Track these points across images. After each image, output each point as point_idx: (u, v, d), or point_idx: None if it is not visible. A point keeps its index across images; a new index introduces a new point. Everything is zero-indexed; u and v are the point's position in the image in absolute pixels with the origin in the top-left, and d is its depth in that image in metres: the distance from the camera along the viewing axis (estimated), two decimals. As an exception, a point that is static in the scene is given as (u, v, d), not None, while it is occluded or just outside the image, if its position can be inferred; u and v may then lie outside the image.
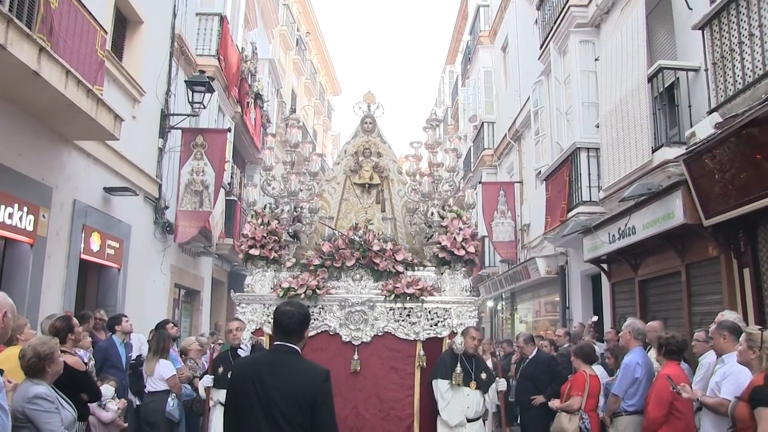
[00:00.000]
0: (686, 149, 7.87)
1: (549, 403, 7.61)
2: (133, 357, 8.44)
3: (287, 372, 3.47)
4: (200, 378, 7.77)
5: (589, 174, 11.16)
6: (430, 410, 6.30)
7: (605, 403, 6.72)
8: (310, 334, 6.25)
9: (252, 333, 6.42)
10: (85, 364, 6.51)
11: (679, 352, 5.88)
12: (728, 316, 5.60)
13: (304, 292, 6.46)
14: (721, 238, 7.77)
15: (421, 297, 6.55)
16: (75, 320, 6.06)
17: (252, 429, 3.37)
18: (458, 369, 6.15)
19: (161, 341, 7.35)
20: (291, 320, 3.62)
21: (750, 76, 6.79)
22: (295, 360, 3.56)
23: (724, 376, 4.99)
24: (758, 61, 6.66)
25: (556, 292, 15.70)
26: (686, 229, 8.21)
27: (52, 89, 6.79)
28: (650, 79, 8.89)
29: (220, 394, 6.08)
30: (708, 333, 5.80)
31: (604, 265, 11.71)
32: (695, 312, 8.72)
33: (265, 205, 7.21)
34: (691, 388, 5.64)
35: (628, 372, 6.24)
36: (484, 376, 6.33)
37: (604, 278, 12.03)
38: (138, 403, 7.91)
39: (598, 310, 12.43)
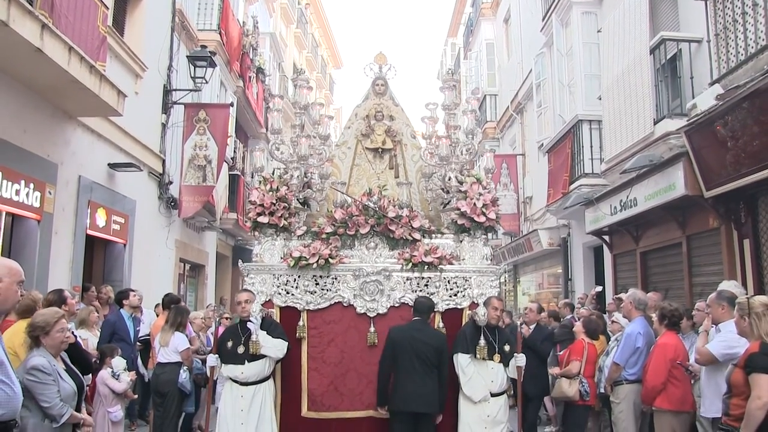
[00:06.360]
0: (687, 121, 7.87)
1: (549, 370, 7.71)
2: (144, 333, 8.56)
3: (426, 334, 5.73)
4: (202, 353, 7.87)
5: (591, 146, 11.20)
6: (450, 384, 5.93)
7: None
8: (323, 305, 6.18)
9: (261, 305, 6.03)
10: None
11: (678, 323, 6.00)
12: (726, 285, 5.66)
13: (317, 262, 6.13)
14: (722, 209, 7.81)
15: (440, 266, 6.22)
16: (67, 293, 6.20)
17: (408, 366, 5.59)
18: (482, 342, 5.78)
19: (179, 315, 7.40)
20: (423, 305, 5.89)
21: (752, 47, 6.78)
22: (428, 327, 5.87)
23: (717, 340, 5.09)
24: (761, 32, 6.64)
25: (558, 264, 15.78)
26: (687, 200, 8.25)
27: (56, 66, 6.82)
28: (652, 51, 8.86)
29: (229, 370, 5.80)
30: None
31: (606, 237, 11.76)
32: (696, 283, 8.79)
33: (274, 170, 6.84)
34: (689, 356, 5.76)
35: (629, 341, 6.32)
36: (507, 348, 5.97)
37: (606, 250, 12.10)
38: (149, 376, 8.04)
39: (600, 281, 12.52)
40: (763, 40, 6.59)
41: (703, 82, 8.02)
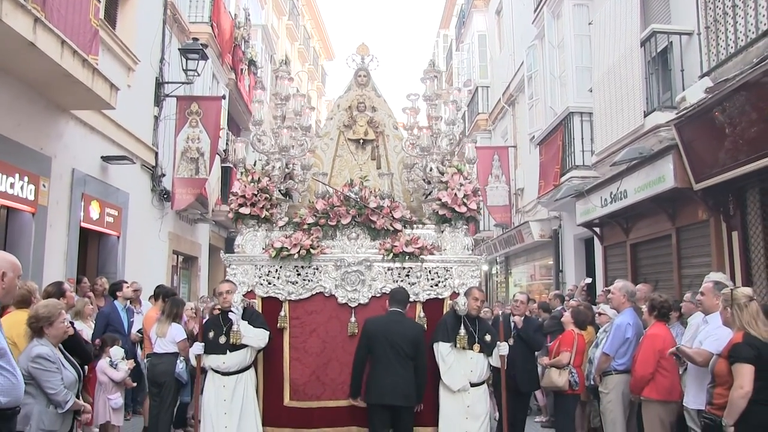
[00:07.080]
0: (677, 114, 7.94)
1: (539, 359, 7.79)
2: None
3: (402, 326, 5.69)
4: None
5: (582, 138, 11.26)
6: (431, 374, 5.93)
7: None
8: (305, 296, 6.20)
9: (243, 296, 6.05)
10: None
11: (668, 315, 6.09)
12: (714, 276, 5.74)
13: (298, 252, 6.13)
14: (711, 201, 7.90)
15: (421, 256, 6.21)
16: (66, 286, 6.25)
17: (383, 357, 5.58)
18: (462, 332, 5.80)
19: (175, 306, 7.44)
20: (401, 295, 5.85)
21: (742, 40, 6.83)
22: (404, 318, 5.80)
23: (708, 335, 5.17)
24: (751, 24, 6.69)
25: (549, 256, 15.88)
26: (677, 192, 8.33)
27: (48, 59, 6.82)
28: (643, 44, 8.91)
29: (211, 360, 5.84)
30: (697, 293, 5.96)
31: (597, 229, 11.85)
32: (685, 274, 8.89)
33: (255, 162, 6.82)
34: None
35: (619, 332, 6.37)
36: (488, 338, 5.97)
37: (596, 242, 12.18)
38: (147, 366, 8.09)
39: (590, 273, 12.61)
40: (752, 32, 6.65)
41: (693, 75, 8.08)
